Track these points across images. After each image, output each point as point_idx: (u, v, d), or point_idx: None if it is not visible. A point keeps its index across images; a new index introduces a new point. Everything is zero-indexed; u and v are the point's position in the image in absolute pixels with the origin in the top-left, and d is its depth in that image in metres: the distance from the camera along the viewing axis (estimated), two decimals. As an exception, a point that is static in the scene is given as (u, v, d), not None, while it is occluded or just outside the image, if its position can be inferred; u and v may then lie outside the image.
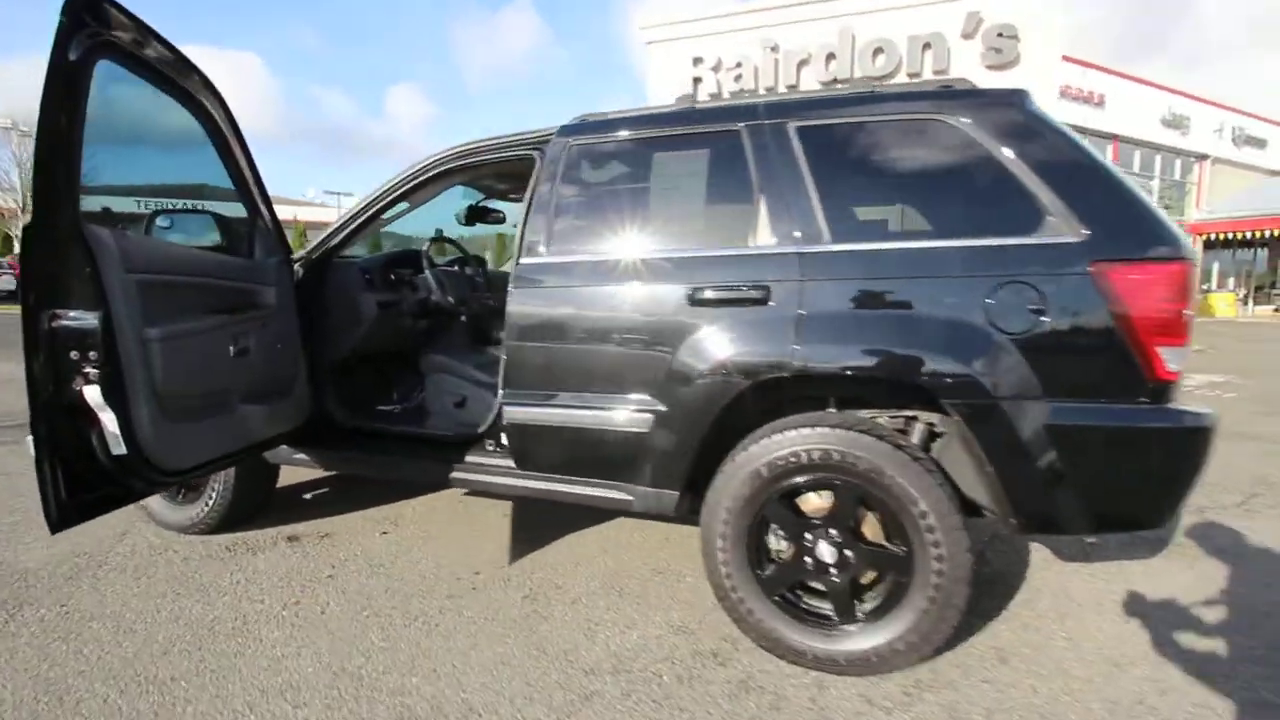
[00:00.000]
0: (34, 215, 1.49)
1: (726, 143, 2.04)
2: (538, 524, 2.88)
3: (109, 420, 1.58)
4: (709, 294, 1.91)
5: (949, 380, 1.72)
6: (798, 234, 1.88)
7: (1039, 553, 2.64)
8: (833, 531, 1.85)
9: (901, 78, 8.03)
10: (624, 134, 2.18)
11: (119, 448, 1.61)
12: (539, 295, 2.13)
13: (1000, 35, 7.81)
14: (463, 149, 2.44)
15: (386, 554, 2.63)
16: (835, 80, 8.35)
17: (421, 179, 2.48)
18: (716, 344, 1.90)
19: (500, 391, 2.26)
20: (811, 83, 8.56)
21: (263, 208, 2.30)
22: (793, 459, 1.82)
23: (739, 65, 8.78)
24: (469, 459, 2.36)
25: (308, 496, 3.34)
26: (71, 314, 1.55)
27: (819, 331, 1.82)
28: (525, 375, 2.15)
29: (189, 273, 1.95)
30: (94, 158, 1.58)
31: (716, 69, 8.89)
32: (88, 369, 1.54)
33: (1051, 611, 2.19)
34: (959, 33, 7.97)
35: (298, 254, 2.62)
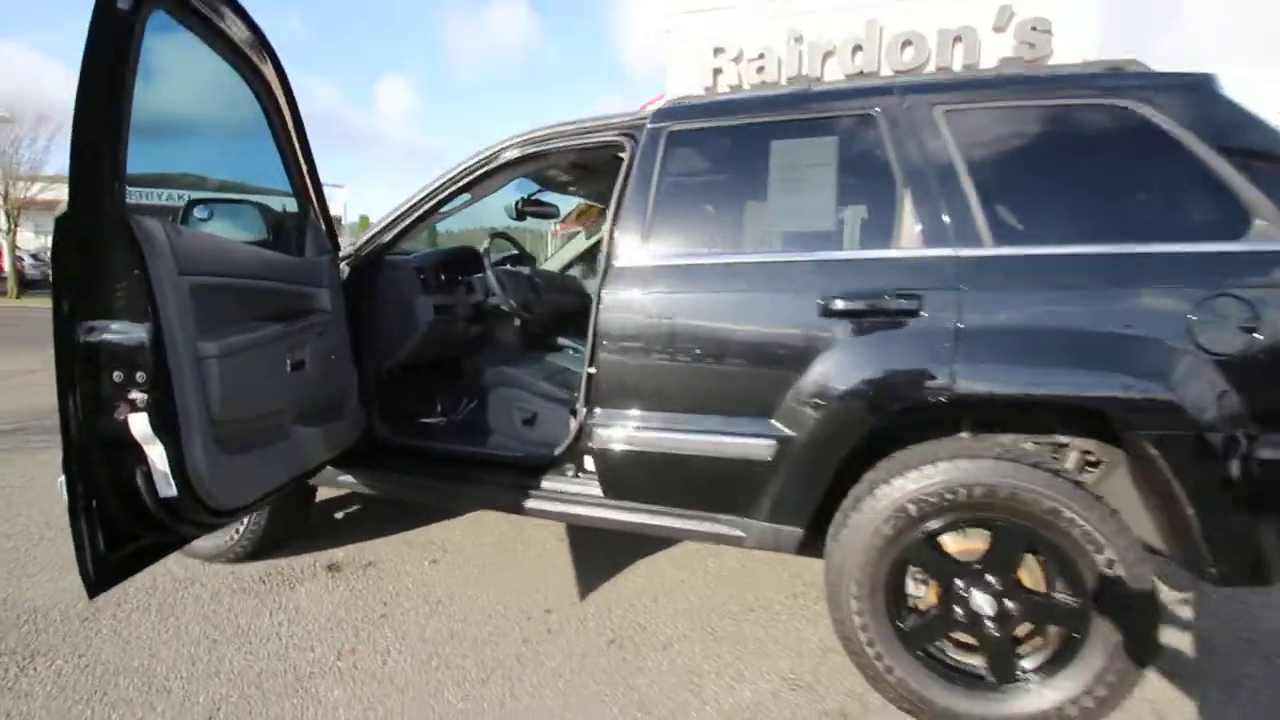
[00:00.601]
0: (71, 204, 1.20)
1: (859, 129, 1.78)
2: (599, 548, 2.61)
3: (158, 456, 1.30)
4: (846, 304, 1.65)
5: (1142, 407, 1.47)
6: (953, 235, 1.63)
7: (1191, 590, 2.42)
8: (989, 578, 1.61)
9: (930, 70, 7.79)
10: (732, 119, 1.91)
11: (169, 489, 1.33)
12: (639, 302, 1.86)
13: (1034, 29, 7.59)
14: (535, 134, 2.16)
15: (442, 587, 2.36)
16: (861, 73, 8.12)
17: (487, 168, 2.20)
18: (856, 362, 1.64)
19: (581, 408, 1.99)
20: (836, 75, 8.31)
21: (315, 198, 2.01)
22: (949, 495, 1.57)
23: (761, 56, 8.51)
24: (545, 485, 2.09)
25: (340, 516, 3.05)
26: (115, 326, 1.27)
27: (983, 349, 1.57)
28: (621, 392, 1.88)
29: (245, 273, 1.67)
30: (138, 135, 1.29)
31: (738, 60, 8.61)
32: (134, 394, 1.26)
33: (1206, 664, 1.96)
34: (990, 26, 7.74)
35: (344, 251, 2.33)
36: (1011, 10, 7.64)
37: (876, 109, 1.76)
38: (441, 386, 2.71)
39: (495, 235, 3.03)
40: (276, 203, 2.04)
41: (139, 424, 1.27)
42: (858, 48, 8.11)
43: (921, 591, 1.71)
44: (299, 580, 2.40)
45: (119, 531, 1.33)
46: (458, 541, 2.76)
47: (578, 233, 3.89)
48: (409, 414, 2.51)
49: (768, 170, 1.86)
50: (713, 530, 1.86)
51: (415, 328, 2.37)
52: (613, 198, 1.99)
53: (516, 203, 2.91)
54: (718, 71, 8.68)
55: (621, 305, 1.87)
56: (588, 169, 2.72)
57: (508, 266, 2.88)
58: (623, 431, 1.86)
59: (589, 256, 3.74)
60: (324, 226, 2.08)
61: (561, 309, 3.05)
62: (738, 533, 1.84)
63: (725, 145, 1.92)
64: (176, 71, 1.55)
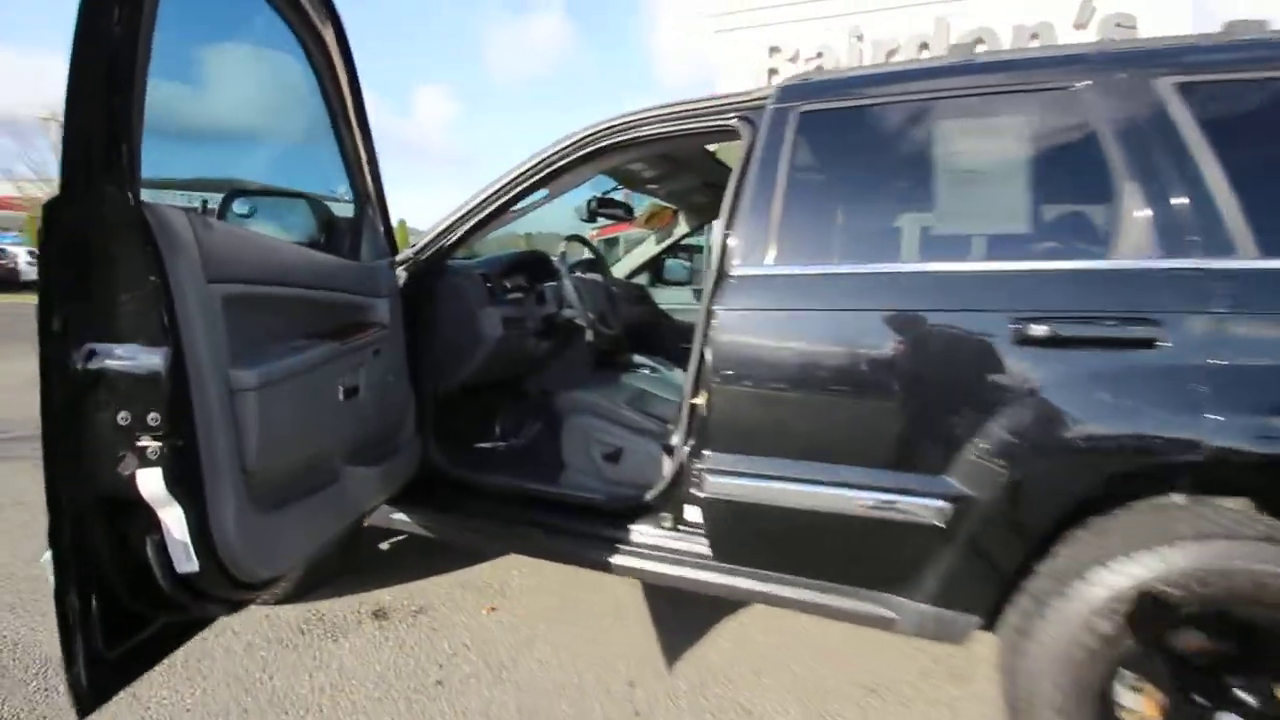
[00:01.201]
0: (65, 186, 0.90)
1: (1058, 106, 1.40)
2: (675, 599, 2.25)
3: (175, 522, 0.99)
4: (1051, 329, 1.27)
5: None
6: (1197, 241, 1.24)
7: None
8: (1241, 692, 1.21)
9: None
10: (880, 96, 1.55)
11: (189, 563, 1.02)
12: (765, 320, 1.51)
13: (1118, 25, 7.06)
14: (632, 118, 1.82)
15: (503, 645, 2.02)
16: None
17: (569, 159, 1.87)
18: (1068, 407, 1.26)
19: (682, 445, 1.64)
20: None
21: (374, 194, 1.71)
22: (1198, 587, 1.18)
23: (820, 55, 8.12)
24: (635, 538, 1.75)
25: (385, 547, 2.74)
26: (121, 350, 0.97)
27: (1254, 394, 1.18)
28: (740, 432, 1.52)
29: (292, 280, 1.37)
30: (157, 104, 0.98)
31: (794, 59, 8.24)
32: (144, 441, 0.96)
33: None
34: (1071, 22, 7.25)
35: (400, 254, 2.02)
36: (1094, 5, 7.13)
37: (1082, 81, 1.38)
38: (504, 411, 2.39)
39: (571, 238, 2.70)
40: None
41: (150, 481, 0.96)
42: (924, 45, 7.66)
43: (1137, 703, 1.31)
44: (342, 630, 2.09)
45: (127, 619, 1.02)
46: (517, 585, 2.42)
47: (615, 238, 3.55)
48: (468, 443, 2.20)
49: (931, 158, 1.50)
50: (853, 608, 1.49)
51: (481, 344, 2.06)
52: (727, 193, 1.64)
53: (589, 202, 2.59)
54: (772, 72, 8.31)
55: (741, 324, 1.52)
56: (676, 163, 2.39)
57: (578, 274, 2.54)
58: (743, 481, 1.50)
59: (658, 264, 3.40)
60: (382, 226, 1.77)
61: (636, 322, 2.71)
62: (887, 613, 1.46)
63: (873, 128, 1.56)
64: (211, 23, 1.25)
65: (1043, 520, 1.30)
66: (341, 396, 1.44)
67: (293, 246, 1.46)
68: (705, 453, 1.56)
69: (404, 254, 2.02)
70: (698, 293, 3.36)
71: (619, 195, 2.67)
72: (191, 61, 1.41)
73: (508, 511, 1.94)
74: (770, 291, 1.51)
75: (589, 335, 2.45)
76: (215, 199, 1.41)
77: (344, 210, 1.84)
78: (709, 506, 1.56)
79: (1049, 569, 1.32)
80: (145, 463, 0.96)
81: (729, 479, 1.52)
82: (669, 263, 3.54)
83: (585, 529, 1.81)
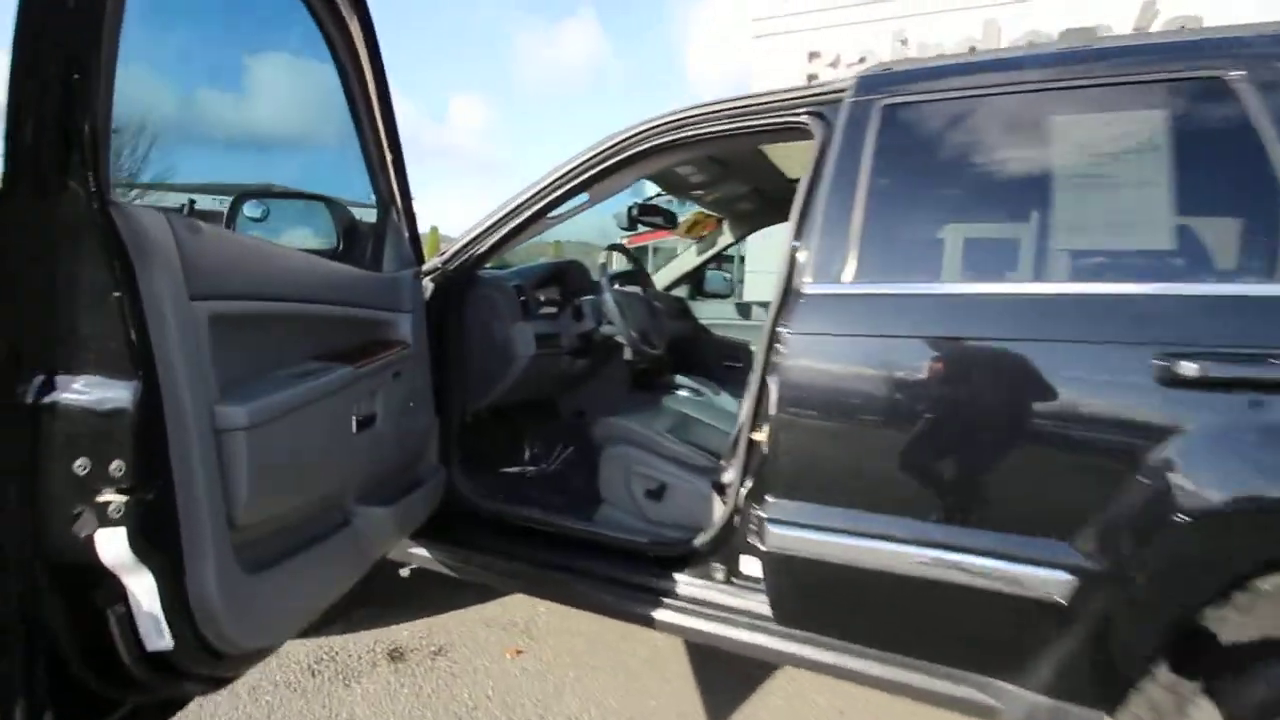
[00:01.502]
0: (9, 176, 0.74)
1: (1201, 98, 1.17)
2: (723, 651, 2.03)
3: (144, 591, 0.82)
4: (1206, 368, 1.04)
5: None
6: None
7: None
8: None
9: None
10: (981, 86, 1.32)
11: (161, 639, 0.85)
12: (843, 347, 1.29)
13: (1183, 27, 6.66)
14: (679, 117, 1.62)
15: (530, 698, 1.82)
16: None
17: (615, 160, 1.68)
18: (1229, 461, 1.03)
19: (738, 485, 1.44)
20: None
21: (398, 196, 1.54)
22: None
23: (862, 60, 7.84)
24: (682, 590, 1.54)
25: (405, 574, 2.57)
26: (79, 384, 0.80)
27: None
28: (810, 476, 1.31)
29: (300, 294, 1.18)
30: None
31: (835, 65, 7.98)
32: (106, 495, 0.79)
33: None
34: (1131, 24, 6.86)
35: (426, 264, 1.85)
36: (1157, 7, 6.76)
37: (1232, 71, 1.14)
38: (533, 434, 2.20)
39: (612, 248, 2.51)
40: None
41: (112, 544, 0.79)
42: (972, 49, 7.35)
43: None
44: (355, 673, 1.91)
45: (84, 700, 0.85)
46: (544, 624, 2.23)
47: (642, 248, 3.32)
48: (494, 472, 2.01)
49: (1046, 160, 1.27)
50: (947, 692, 1.26)
51: (512, 363, 1.87)
52: (797, 199, 1.44)
53: (629, 209, 2.40)
54: (811, 78, 8.07)
55: (815, 350, 1.30)
56: (727, 167, 2.19)
57: (617, 286, 2.34)
58: (814, 535, 1.28)
59: (698, 275, 3.20)
60: (407, 232, 1.60)
61: (676, 339, 2.51)
62: (988, 701, 1.23)
63: (973, 123, 1.33)
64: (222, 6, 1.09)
65: (1188, 602, 1.06)
66: (355, 428, 1.26)
67: (301, 255, 1.28)
68: (768, 498, 1.35)
69: (430, 263, 1.85)
70: (740, 307, 3.14)
71: (662, 202, 2.48)
72: (200, 49, 1.25)
73: (536, 551, 1.74)
74: (851, 313, 1.30)
75: (627, 353, 2.25)
76: (204, 199, 1.24)
77: (368, 215, 1.67)
78: (772, 562, 1.34)
79: (1196, 657, 1.07)
80: (106, 521, 0.79)
81: (797, 531, 1.30)
82: (709, 274, 3.33)
83: (624, 576, 1.60)
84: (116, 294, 0.78)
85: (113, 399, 0.78)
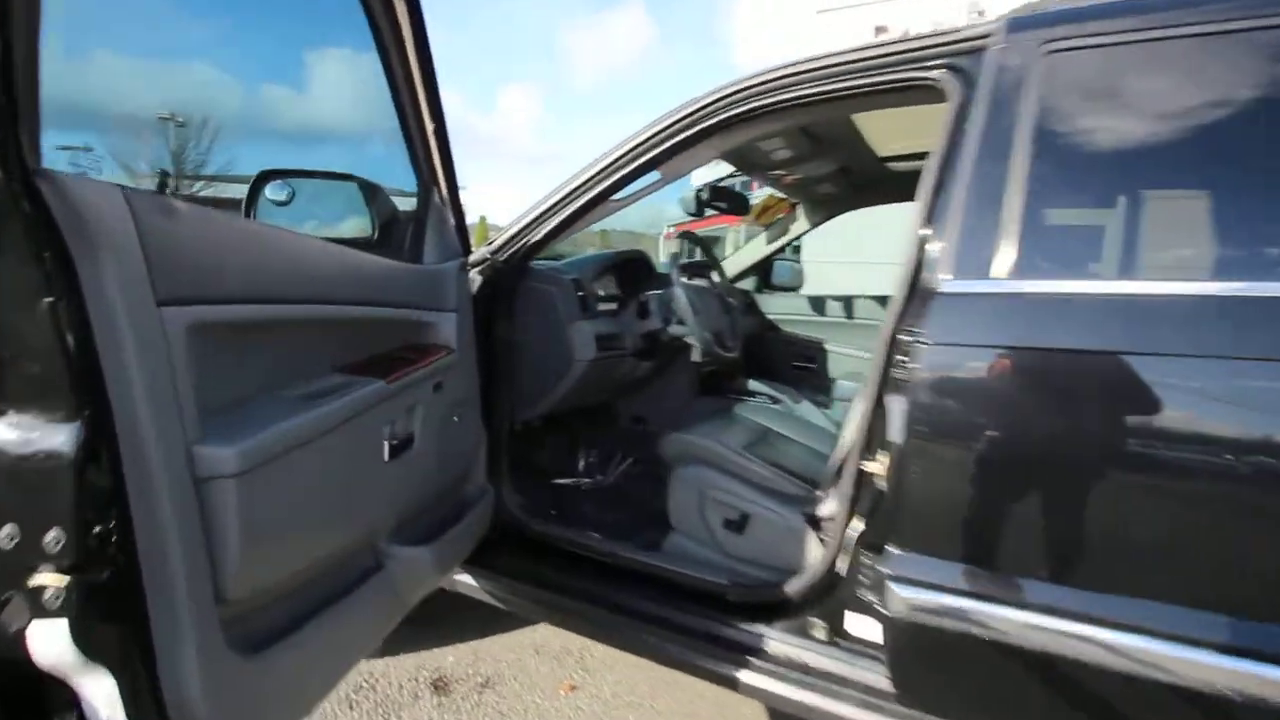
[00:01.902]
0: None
1: None
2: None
3: (100, 695, 0.62)
4: None
5: None
6: None
7: None
8: None
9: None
10: (1186, 22, 1.01)
11: (123, 754, 0.65)
12: (994, 361, 1.01)
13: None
14: (775, 77, 1.35)
15: (587, 746, 1.62)
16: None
17: (693, 131, 1.42)
18: None
19: (843, 523, 1.17)
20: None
21: (442, 174, 1.32)
22: None
23: (934, 35, 7.32)
24: (772, 647, 1.28)
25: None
26: (3, 425, 0.61)
27: None
28: (952, 526, 1.03)
29: (314, 294, 0.96)
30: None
31: (904, 40, 7.48)
32: (41, 574, 0.59)
33: None
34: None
35: (474, 255, 1.64)
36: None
37: None
38: (589, 443, 1.97)
39: (684, 236, 2.25)
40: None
41: (52, 641, 0.59)
42: (1059, 20, 6.76)
43: None
44: (395, 707, 1.74)
45: None
46: (600, 654, 2.01)
47: (690, 235, 3.00)
48: (543, 486, 1.79)
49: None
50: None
51: (570, 367, 1.65)
52: (925, 175, 1.15)
53: (698, 192, 2.13)
54: (878, 54, 7.60)
55: (958, 364, 1.03)
56: (818, 142, 1.90)
57: (685, 279, 2.07)
58: (959, 602, 1.01)
59: (765, 266, 2.90)
60: (452, 219, 1.38)
61: (751, 337, 2.24)
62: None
63: (1173, 72, 1.02)
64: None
65: None
66: (387, 455, 1.05)
67: (320, 244, 1.06)
68: (890, 548, 1.08)
69: (478, 253, 1.64)
70: (813, 301, 2.84)
71: (733, 184, 2.21)
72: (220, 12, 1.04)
73: (592, 584, 1.52)
74: (1008, 318, 1.01)
75: (695, 354, 1.99)
76: (181, 177, 1.05)
77: (409, 205, 1.46)
78: (898, 630, 1.07)
79: None
80: (41, 612, 0.59)
81: (932, 595, 1.03)
82: (776, 264, 3.02)
83: (698, 624, 1.36)
84: (49, 299, 0.58)
85: (46, 444, 0.58)
